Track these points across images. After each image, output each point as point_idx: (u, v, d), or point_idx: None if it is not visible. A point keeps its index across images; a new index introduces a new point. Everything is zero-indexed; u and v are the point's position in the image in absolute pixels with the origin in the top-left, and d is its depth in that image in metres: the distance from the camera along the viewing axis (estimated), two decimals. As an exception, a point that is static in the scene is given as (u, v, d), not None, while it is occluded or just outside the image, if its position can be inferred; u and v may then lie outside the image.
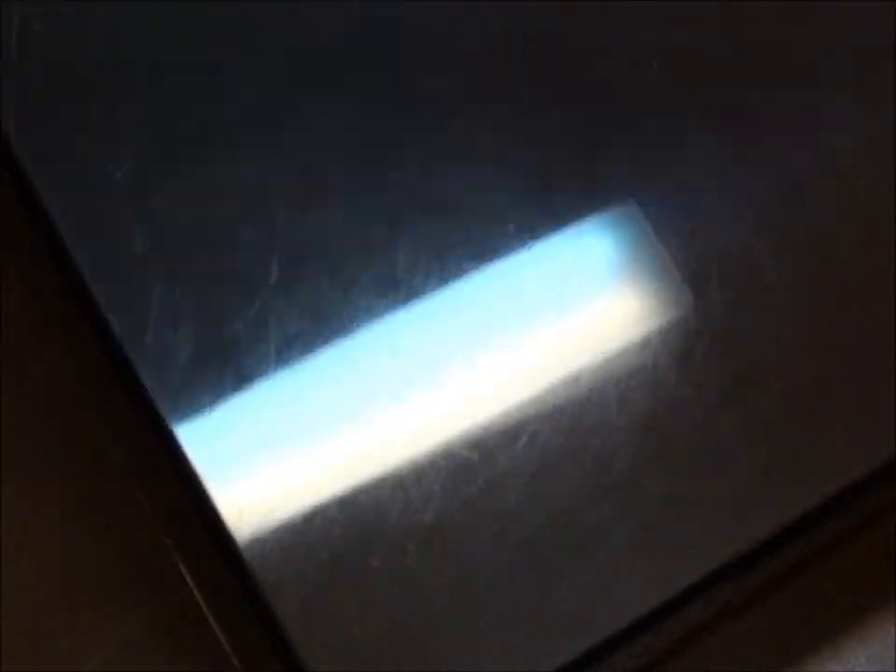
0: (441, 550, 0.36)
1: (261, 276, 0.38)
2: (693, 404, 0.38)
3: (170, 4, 0.42)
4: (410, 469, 0.37)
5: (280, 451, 0.37)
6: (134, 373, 0.38)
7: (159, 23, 0.41)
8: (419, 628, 0.36)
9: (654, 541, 0.37)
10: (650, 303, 0.39)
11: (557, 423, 0.37)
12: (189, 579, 0.42)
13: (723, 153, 0.41)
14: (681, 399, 0.38)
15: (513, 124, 0.40)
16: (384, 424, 0.37)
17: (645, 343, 0.38)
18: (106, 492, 0.43)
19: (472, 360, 0.38)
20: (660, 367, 0.38)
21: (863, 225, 0.41)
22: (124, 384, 0.38)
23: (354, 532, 0.36)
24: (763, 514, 0.38)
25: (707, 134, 0.41)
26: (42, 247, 0.40)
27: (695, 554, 0.37)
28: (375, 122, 0.41)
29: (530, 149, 0.40)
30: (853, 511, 0.42)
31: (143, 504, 0.43)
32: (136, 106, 0.40)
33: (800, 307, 0.40)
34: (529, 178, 0.40)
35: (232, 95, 0.41)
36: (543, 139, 0.40)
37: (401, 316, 0.38)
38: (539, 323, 0.38)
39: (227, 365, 0.38)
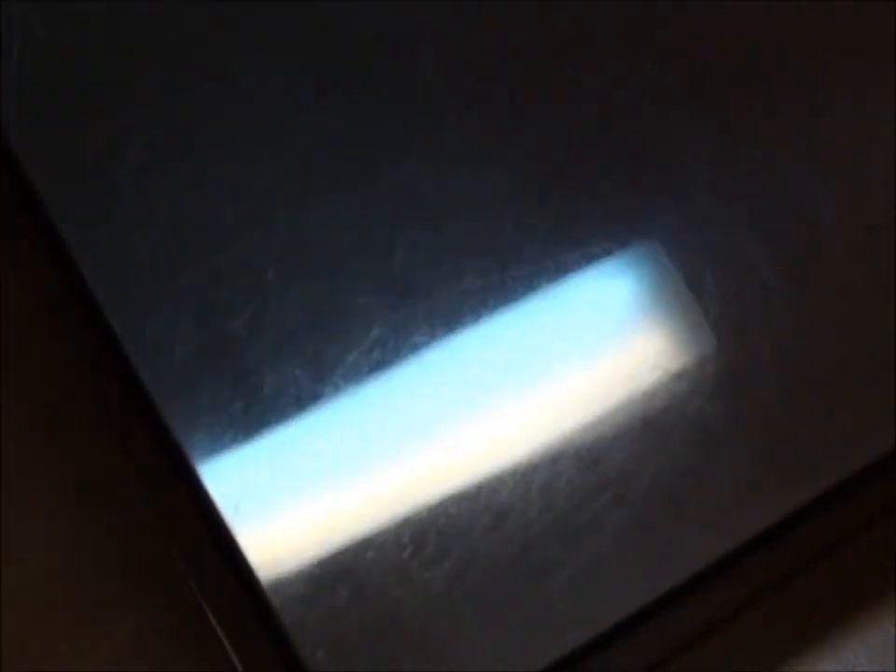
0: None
1: (276, 291, 0.38)
2: (716, 441, 0.38)
3: (171, 5, 0.42)
4: (431, 507, 0.36)
5: (289, 465, 0.37)
6: (135, 374, 0.38)
7: (160, 24, 0.41)
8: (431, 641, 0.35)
9: (649, 536, 0.37)
10: (671, 342, 0.38)
11: (577, 462, 0.37)
12: (196, 591, 0.42)
13: (749, 190, 0.40)
14: (703, 436, 0.38)
15: (531, 160, 0.40)
16: (407, 460, 0.37)
17: (667, 382, 0.38)
18: (107, 492, 0.43)
19: (493, 399, 0.37)
20: (683, 405, 0.38)
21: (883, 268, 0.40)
22: (124, 383, 0.38)
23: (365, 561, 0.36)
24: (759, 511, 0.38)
25: (733, 170, 0.41)
26: (42, 247, 0.40)
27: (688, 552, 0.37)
28: (381, 127, 0.41)
29: (547, 186, 0.40)
30: (851, 508, 0.42)
31: (145, 510, 0.43)
32: (136, 106, 0.40)
33: (823, 346, 0.39)
34: (546, 214, 0.39)
35: (233, 96, 0.41)
36: (561, 175, 0.40)
37: (427, 354, 0.38)
38: (559, 362, 0.38)
39: (229, 368, 0.38)
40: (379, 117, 0.41)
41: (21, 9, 0.41)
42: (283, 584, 0.36)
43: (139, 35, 0.41)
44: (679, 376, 0.38)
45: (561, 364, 0.38)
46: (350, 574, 0.36)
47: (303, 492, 0.37)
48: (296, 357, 0.38)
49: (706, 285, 0.39)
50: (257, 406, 0.37)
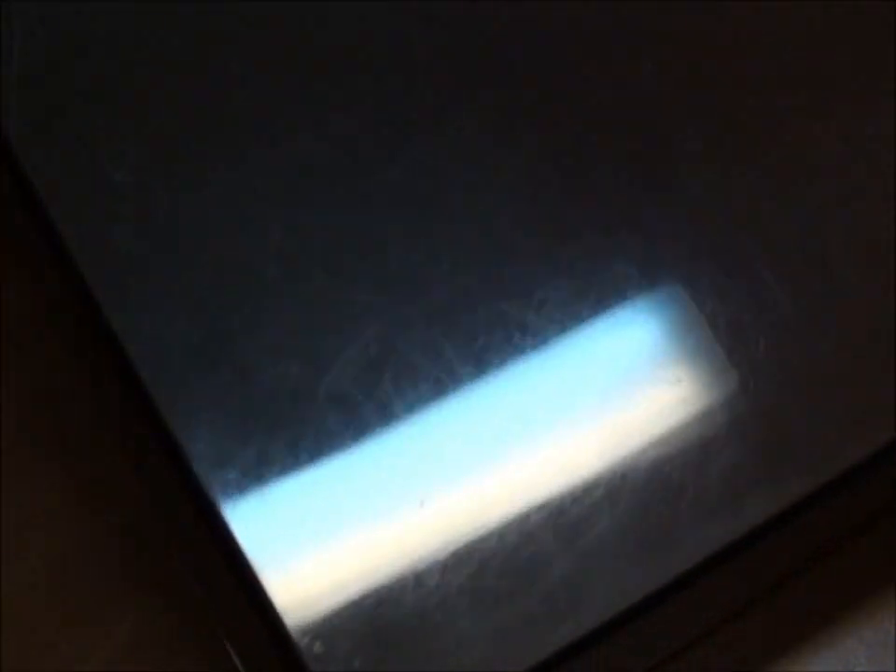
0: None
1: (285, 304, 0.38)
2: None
3: (172, 6, 0.42)
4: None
5: (282, 463, 0.37)
6: (135, 373, 0.38)
7: (160, 24, 0.41)
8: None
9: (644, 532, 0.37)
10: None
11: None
12: (197, 590, 0.42)
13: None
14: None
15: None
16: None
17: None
18: (107, 492, 0.43)
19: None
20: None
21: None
22: (124, 383, 0.38)
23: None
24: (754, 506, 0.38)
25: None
26: (42, 247, 0.40)
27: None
28: (380, 127, 0.41)
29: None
30: (849, 506, 0.42)
31: (145, 510, 0.43)
32: (136, 106, 0.40)
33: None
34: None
35: (232, 95, 0.41)
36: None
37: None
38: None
39: (229, 367, 0.38)
40: (378, 115, 0.41)
41: (22, 9, 0.41)
42: (284, 584, 0.36)
43: (139, 35, 0.41)
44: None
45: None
46: (350, 573, 0.36)
47: (304, 489, 0.37)
48: (296, 355, 0.38)
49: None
50: (256, 406, 0.37)
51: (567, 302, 0.39)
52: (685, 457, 0.38)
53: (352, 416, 0.37)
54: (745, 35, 0.43)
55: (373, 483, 0.37)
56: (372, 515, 0.36)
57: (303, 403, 0.37)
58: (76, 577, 0.42)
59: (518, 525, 0.37)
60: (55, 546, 0.42)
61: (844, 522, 0.43)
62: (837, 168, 0.41)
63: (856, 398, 0.39)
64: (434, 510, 0.37)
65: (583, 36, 0.42)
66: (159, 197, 0.39)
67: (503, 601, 0.36)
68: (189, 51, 0.41)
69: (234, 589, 0.37)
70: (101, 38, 0.41)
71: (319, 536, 0.36)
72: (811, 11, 0.43)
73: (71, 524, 0.42)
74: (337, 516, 0.36)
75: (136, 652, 0.41)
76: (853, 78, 0.43)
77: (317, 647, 0.35)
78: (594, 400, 0.38)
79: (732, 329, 0.39)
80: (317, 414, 0.37)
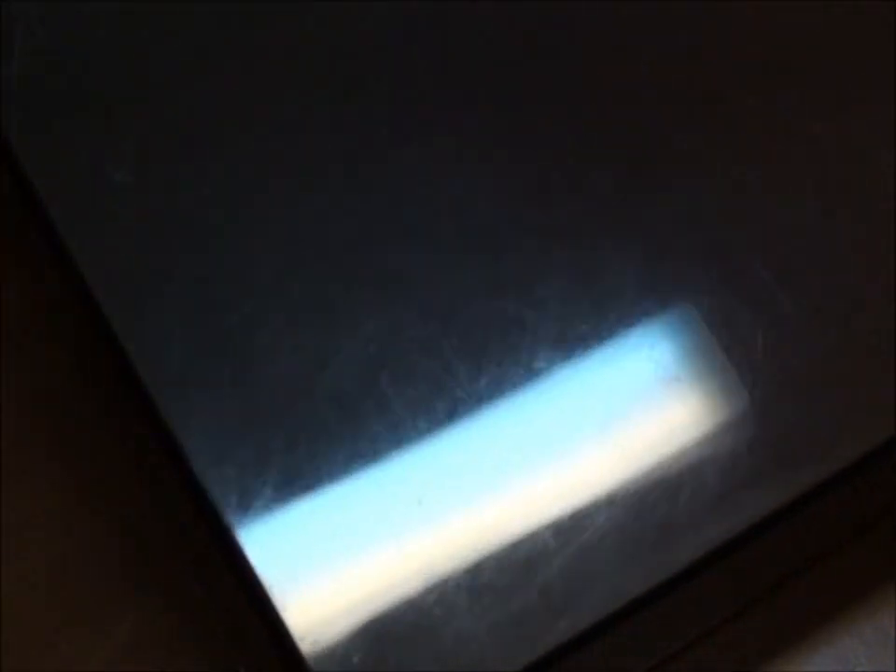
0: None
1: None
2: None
3: (172, 7, 0.42)
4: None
5: (280, 460, 0.37)
6: (135, 373, 0.38)
7: (160, 25, 0.41)
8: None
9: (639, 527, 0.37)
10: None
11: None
12: (197, 590, 0.42)
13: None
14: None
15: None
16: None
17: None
18: (107, 492, 0.43)
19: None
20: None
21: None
22: (124, 383, 0.38)
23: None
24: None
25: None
26: (42, 247, 0.40)
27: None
28: (378, 126, 0.41)
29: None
30: (848, 505, 0.42)
31: (145, 510, 0.43)
32: (136, 107, 0.40)
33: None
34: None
35: (233, 97, 0.41)
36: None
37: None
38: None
39: (229, 366, 0.38)
40: (376, 115, 0.41)
41: (22, 10, 0.41)
42: (284, 584, 0.36)
43: (139, 35, 0.41)
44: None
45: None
46: (350, 572, 0.36)
47: (303, 488, 0.37)
48: (295, 355, 0.38)
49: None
50: (256, 405, 0.37)
51: (565, 300, 0.39)
52: (684, 457, 0.38)
53: (351, 415, 0.37)
54: (745, 38, 0.43)
55: (373, 482, 0.37)
56: (372, 514, 0.36)
57: (303, 402, 0.37)
58: (76, 577, 0.42)
59: (516, 524, 0.37)
60: (55, 546, 0.42)
61: (844, 522, 0.44)
62: (838, 169, 0.41)
63: (855, 397, 0.39)
64: (433, 510, 0.37)
65: (582, 38, 0.42)
66: (158, 197, 0.39)
67: (502, 599, 0.36)
68: (189, 51, 0.41)
69: (234, 589, 0.37)
70: (101, 38, 0.41)
71: (319, 535, 0.36)
72: (811, 13, 0.43)
73: (71, 524, 0.42)
74: (336, 515, 0.36)
75: (136, 652, 0.41)
76: (854, 78, 0.43)
77: (317, 646, 0.35)
78: (592, 401, 0.38)
79: (730, 326, 0.39)
80: (317, 413, 0.37)
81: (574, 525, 0.37)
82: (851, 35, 0.43)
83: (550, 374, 0.38)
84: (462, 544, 0.36)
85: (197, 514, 0.37)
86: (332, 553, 0.36)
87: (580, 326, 0.39)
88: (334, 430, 0.37)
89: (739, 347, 0.39)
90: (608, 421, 0.38)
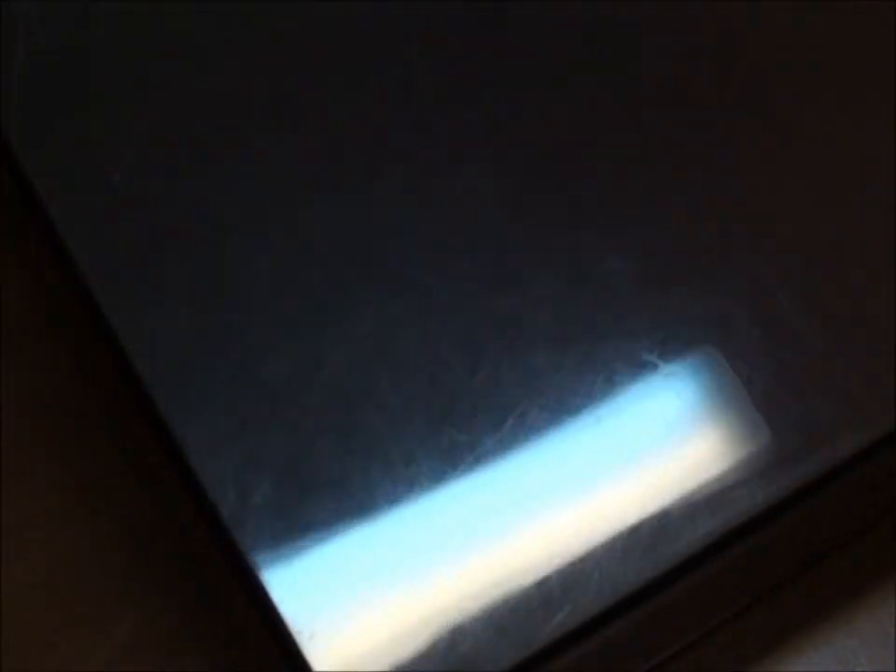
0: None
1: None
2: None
3: (172, 7, 0.42)
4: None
5: (279, 463, 0.37)
6: (135, 373, 0.38)
7: (159, 26, 0.42)
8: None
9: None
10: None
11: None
12: (197, 590, 0.42)
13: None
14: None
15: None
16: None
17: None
18: (107, 492, 0.43)
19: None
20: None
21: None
22: (125, 383, 0.38)
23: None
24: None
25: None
26: (42, 247, 0.40)
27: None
28: (377, 127, 0.41)
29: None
30: (847, 504, 0.42)
31: (145, 510, 0.43)
32: (136, 107, 0.40)
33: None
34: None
35: (231, 97, 0.41)
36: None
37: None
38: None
39: (229, 365, 0.38)
40: (374, 114, 0.41)
41: (23, 10, 0.41)
42: (283, 583, 0.36)
43: (139, 35, 0.41)
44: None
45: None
46: (350, 572, 0.36)
47: (303, 485, 0.37)
48: (294, 354, 0.38)
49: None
50: (256, 404, 0.37)
51: (564, 299, 0.39)
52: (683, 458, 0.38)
53: (350, 414, 0.37)
54: (747, 46, 0.43)
55: (371, 480, 0.37)
56: (371, 513, 0.36)
57: (302, 401, 0.37)
58: (76, 577, 0.42)
59: (513, 522, 0.37)
60: (55, 546, 0.42)
61: (844, 521, 0.43)
62: (840, 174, 0.41)
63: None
64: (432, 506, 0.37)
65: (581, 40, 0.42)
66: (158, 197, 0.39)
67: (500, 597, 0.36)
68: (188, 52, 0.41)
69: (235, 589, 0.37)
70: (101, 39, 0.41)
71: (319, 534, 0.36)
72: (812, 17, 0.43)
73: (71, 524, 0.42)
74: (336, 514, 0.36)
75: (136, 652, 0.41)
76: (860, 87, 0.43)
77: (318, 645, 0.35)
78: (592, 408, 0.38)
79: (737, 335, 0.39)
80: (316, 413, 0.37)
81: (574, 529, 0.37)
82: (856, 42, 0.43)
83: (544, 374, 0.38)
84: (461, 543, 0.36)
85: (197, 514, 0.37)
86: (332, 552, 0.36)
87: (576, 324, 0.39)
88: (333, 429, 0.37)
89: (759, 381, 0.39)
90: (603, 427, 0.38)
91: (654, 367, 0.38)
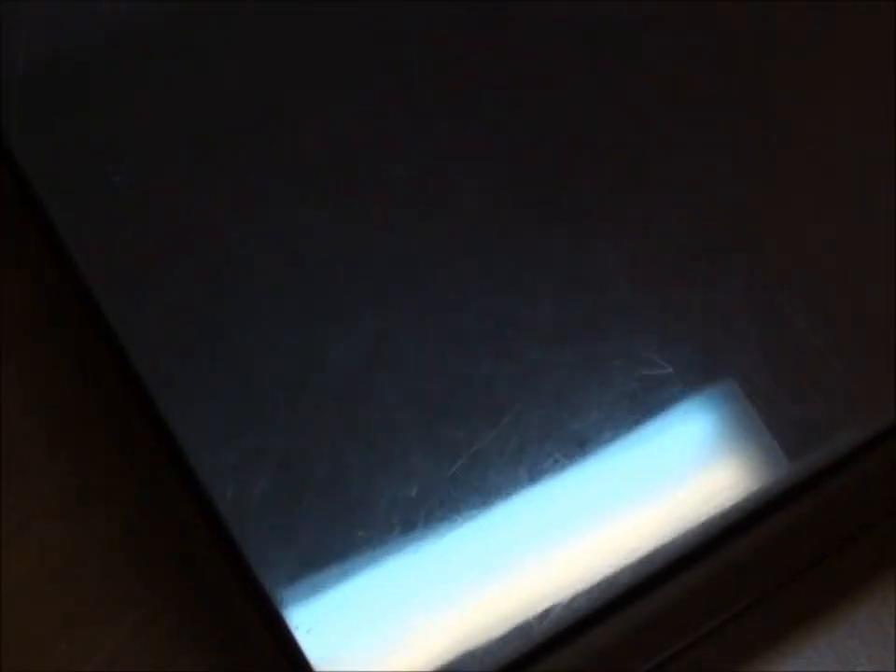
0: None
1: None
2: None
3: (172, 8, 0.42)
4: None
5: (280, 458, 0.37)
6: (135, 372, 0.38)
7: (159, 27, 0.42)
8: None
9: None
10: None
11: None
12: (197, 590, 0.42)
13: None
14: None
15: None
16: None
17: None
18: (107, 492, 0.43)
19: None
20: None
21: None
22: (125, 383, 0.38)
23: None
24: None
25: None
26: (42, 247, 0.40)
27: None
28: (374, 129, 0.41)
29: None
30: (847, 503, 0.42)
31: (145, 510, 0.43)
32: (136, 108, 0.40)
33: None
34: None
35: (230, 98, 0.41)
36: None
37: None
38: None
39: (228, 363, 0.38)
40: (374, 115, 0.41)
41: (24, 11, 0.41)
42: (283, 583, 0.36)
43: (139, 36, 0.41)
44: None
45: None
46: (349, 570, 0.36)
47: (302, 483, 0.37)
48: (293, 353, 0.38)
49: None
50: (256, 403, 0.37)
51: (563, 298, 0.39)
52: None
53: (349, 412, 0.37)
54: (746, 46, 0.43)
55: (371, 480, 0.37)
56: (371, 511, 0.36)
57: (301, 401, 0.37)
58: (76, 577, 0.42)
59: (511, 524, 0.37)
60: (55, 546, 0.42)
61: (844, 521, 0.44)
62: (840, 174, 0.41)
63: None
64: (431, 503, 0.37)
65: (581, 41, 0.42)
66: (158, 197, 0.39)
67: (499, 596, 0.36)
68: (188, 52, 0.41)
69: (234, 589, 0.37)
70: (101, 39, 0.41)
71: (319, 532, 0.36)
72: (811, 18, 0.43)
73: (71, 524, 0.42)
74: (336, 513, 0.36)
75: (136, 652, 0.41)
76: (860, 88, 0.43)
77: (318, 645, 0.35)
78: (590, 407, 0.38)
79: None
80: (315, 412, 0.37)
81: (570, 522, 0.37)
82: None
83: (539, 373, 0.38)
84: (461, 542, 0.36)
85: (197, 514, 0.37)
86: (333, 552, 0.36)
87: (574, 322, 0.39)
88: (332, 428, 0.37)
89: (757, 379, 0.39)
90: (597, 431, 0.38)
91: (652, 366, 0.38)
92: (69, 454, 0.43)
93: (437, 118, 0.41)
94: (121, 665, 0.41)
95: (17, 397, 0.43)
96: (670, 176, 0.41)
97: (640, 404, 0.38)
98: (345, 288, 0.39)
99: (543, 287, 0.39)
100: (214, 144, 0.40)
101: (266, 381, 0.37)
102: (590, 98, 0.41)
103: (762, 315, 0.39)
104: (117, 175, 0.39)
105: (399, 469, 0.37)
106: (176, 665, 0.41)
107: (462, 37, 0.42)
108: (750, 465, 0.38)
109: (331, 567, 0.36)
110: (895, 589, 0.44)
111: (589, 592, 0.36)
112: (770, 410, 0.38)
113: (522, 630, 0.36)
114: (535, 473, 0.37)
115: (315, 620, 0.35)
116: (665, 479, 0.37)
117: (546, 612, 0.36)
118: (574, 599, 0.36)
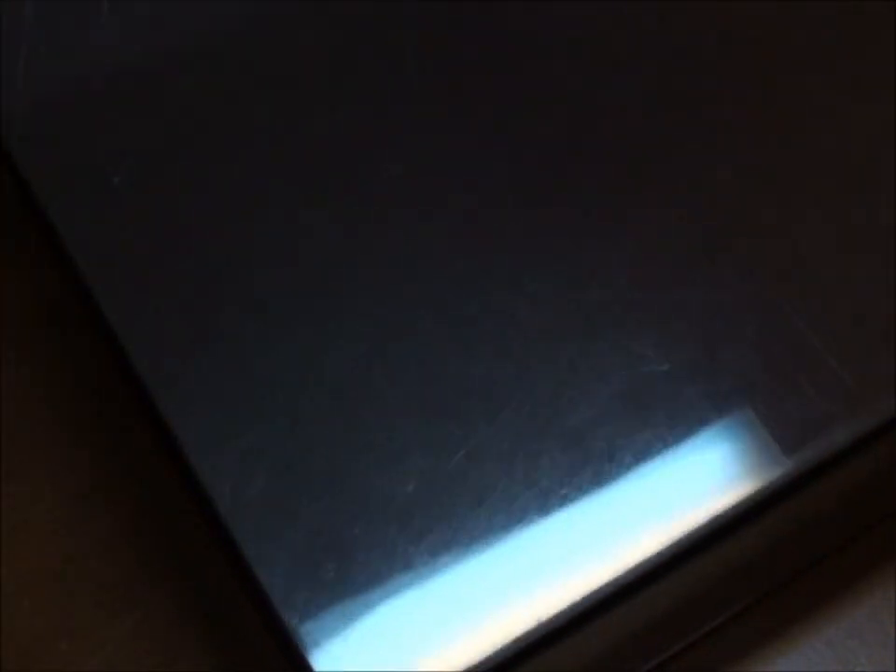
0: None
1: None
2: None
3: (172, 9, 0.42)
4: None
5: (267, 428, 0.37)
6: (135, 372, 0.38)
7: (160, 28, 0.42)
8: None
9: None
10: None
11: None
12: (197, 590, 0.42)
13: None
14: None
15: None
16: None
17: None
18: (107, 492, 0.43)
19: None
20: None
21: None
22: (125, 382, 0.38)
23: None
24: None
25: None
26: (42, 247, 0.40)
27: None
28: (372, 132, 0.41)
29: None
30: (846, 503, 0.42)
31: (145, 510, 0.43)
32: (135, 108, 0.40)
33: None
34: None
35: (231, 98, 0.41)
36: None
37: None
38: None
39: (227, 362, 0.38)
40: (373, 117, 0.41)
41: (23, 12, 0.41)
42: (283, 582, 0.36)
43: (139, 38, 0.42)
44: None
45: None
46: (350, 569, 0.36)
47: (302, 481, 0.37)
48: (292, 352, 0.38)
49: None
50: (253, 402, 0.37)
51: (562, 297, 0.39)
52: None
53: (348, 411, 0.37)
54: (745, 47, 0.43)
55: (370, 478, 0.37)
56: (370, 510, 0.36)
57: (301, 399, 0.37)
58: (76, 577, 0.42)
59: (509, 523, 0.37)
60: (55, 546, 0.42)
61: (844, 521, 0.44)
62: (840, 174, 0.42)
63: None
64: (428, 499, 0.37)
65: (579, 43, 0.42)
66: (157, 197, 0.39)
67: (497, 595, 0.36)
68: (188, 52, 0.41)
69: (235, 589, 0.37)
70: (101, 40, 0.41)
71: (318, 532, 0.36)
72: (809, 19, 0.43)
73: (71, 524, 0.42)
74: (336, 512, 0.36)
75: (137, 652, 0.41)
76: (860, 88, 0.43)
77: (318, 645, 0.35)
78: (588, 405, 0.38)
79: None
80: (315, 410, 0.37)
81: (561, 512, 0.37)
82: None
83: (536, 371, 0.38)
84: (460, 540, 0.36)
85: (197, 514, 0.37)
86: (332, 552, 0.36)
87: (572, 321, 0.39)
88: (332, 427, 0.37)
89: (755, 377, 0.39)
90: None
91: (651, 364, 0.38)
92: (69, 454, 0.43)
93: (437, 117, 0.41)
94: (121, 664, 0.41)
95: (17, 397, 0.43)
96: (670, 176, 0.41)
97: (638, 402, 0.38)
98: (344, 288, 0.39)
99: (542, 286, 0.39)
100: (213, 144, 0.40)
101: (265, 381, 0.37)
102: (590, 98, 0.42)
103: (760, 314, 0.39)
104: (116, 176, 0.39)
105: (398, 468, 0.37)
106: (176, 665, 0.41)
107: (462, 38, 0.42)
108: (749, 463, 0.38)
109: (331, 566, 0.36)
110: (895, 589, 0.44)
111: (588, 591, 0.36)
112: (768, 408, 0.38)
113: (521, 630, 0.36)
114: (532, 472, 0.37)
115: (315, 620, 0.35)
116: (664, 477, 0.37)
117: (545, 613, 0.36)
118: (573, 599, 0.36)
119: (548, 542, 0.36)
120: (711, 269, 0.40)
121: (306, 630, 0.35)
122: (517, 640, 0.35)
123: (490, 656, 0.35)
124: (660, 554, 0.36)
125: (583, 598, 0.36)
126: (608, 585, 0.36)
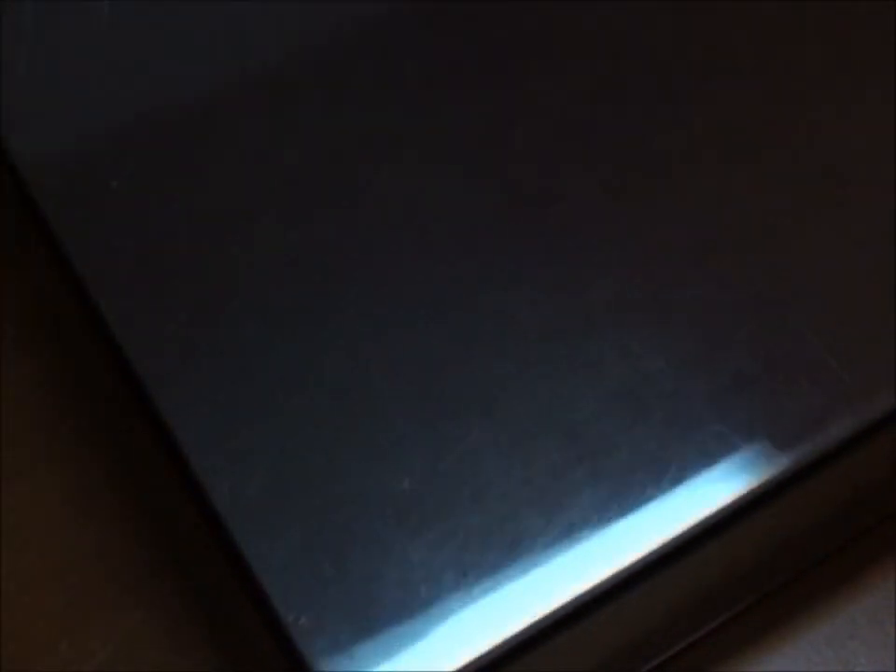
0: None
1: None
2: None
3: (172, 11, 0.42)
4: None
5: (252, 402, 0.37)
6: (134, 372, 0.38)
7: (160, 29, 0.42)
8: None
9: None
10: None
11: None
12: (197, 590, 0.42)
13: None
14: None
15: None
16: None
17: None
18: (107, 492, 0.43)
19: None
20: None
21: None
22: (124, 383, 0.38)
23: None
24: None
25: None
26: (42, 247, 0.40)
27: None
28: (371, 135, 0.41)
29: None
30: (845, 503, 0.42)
31: (144, 511, 0.43)
32: (135, 109, 0.41)
33: None
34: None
35: (231, 98, 0.41)
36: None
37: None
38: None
39: (227, 362, 0.38)
40: (372, 121, 0.41)
41: (25, 14, 0.41)
42: (283, 582, 0.36)
43: (139, 39, 0.42)
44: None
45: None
46: (350, 568, 0.36)
47: (301, 480, 0.37)
48: (291, 352, 0.38)
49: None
50: (253, 402, 0.37)
51: (561, 297, 0.39)
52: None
53: (347, 410, 0.37)
54: (744, 50, 0.43)
55: (370, 477, 0.37)
56: (370, 509, 0.36)
57: (300, 399, 0.37)
58: (76, 577, 0.42)
59: (507, 522, 0.37)
60: (55, 546, 0.42)
61: (844, 521, 0.43)
62: (840, 174, 0.42)
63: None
64: (424, 495, 0.37)
65: (579, 46, 0.42)
66: (157, 198, 0.39)
67: (496, 594, 0.36)
68: (188, 52, 0.41)
69: (235, 589, 0.37)
70: (101, 42, 0.41)
71: (318, 531, 0.36)
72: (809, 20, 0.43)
73: (71, 524, 0.42)
74: (335, 511, 0.36)
75: (137, 652, 0.41)
76: (860, 88, 0.43)
77: (318, 644, 0.35)
78: (585, 403, 0.38)
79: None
80: (314, 410, 0.37)
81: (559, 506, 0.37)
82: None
83: (531, 370, 0.38)
84: (459, 539, 0.36)
85: (196, 514, 0.37)
86: (332, 550, 0.36)
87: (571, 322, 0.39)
88: (330, 427, 0.37)
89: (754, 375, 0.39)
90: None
91: (650, 363, 0.38)
92: (69, 454, 0.43)
93: (436, 118, 0.41)
94: (121, 664, 0.41)
95: (16, 397, 0.43)
96: (669, 176, 0.41)
97: (637, 401, 0.38)
98: (344, 288, 0.39)
99: (541, 286, 0.39)
100: (212, 145, 0.40)
101: (264, 380, 0.37)
102: (589, 98, 0.42)
103: (759, 312, 0.39)
104: (116, 177, 0.39)
105: (397, 467, 0.37)
106: (176, 666, 0.41)
107: (462, 38, 0.42)
108: (748, 462, 0.38)
109: (331, 566, 0.36)
110: (895, 589, 0.44)
111: (587, 591, 0.36)
112: (767, 406, 0.38)
113: (520, 629, 0.36)
114: (530, 469, 0.37)
115: (314, 619, 0.35)
116: (662, 476, 0.37)
117: (544, 611, 0.36)
118: (572, 598, 0.36)
119: (546, 540, 0.36)
120: (710, 268, 0.40)
121: (305, 629, 0.35)
122: (516, 639, 0.35)
123: (488, 654, 0.35)
124: (658, 553, 0.36)
125: (583, 597, 0.36)
126: (606, 584, 0.36)
